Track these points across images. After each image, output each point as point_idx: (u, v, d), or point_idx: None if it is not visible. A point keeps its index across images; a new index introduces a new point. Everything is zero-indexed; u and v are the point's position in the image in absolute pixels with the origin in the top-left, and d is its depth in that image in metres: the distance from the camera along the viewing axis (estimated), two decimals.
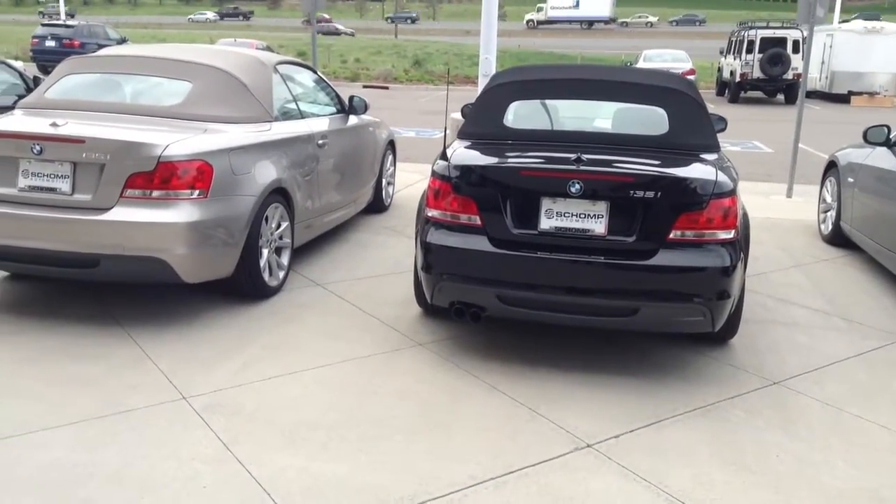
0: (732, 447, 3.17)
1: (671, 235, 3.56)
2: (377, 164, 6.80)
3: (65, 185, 3.97)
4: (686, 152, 3.93)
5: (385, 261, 5.62)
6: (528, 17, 70.71)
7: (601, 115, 4.85)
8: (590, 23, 66.69)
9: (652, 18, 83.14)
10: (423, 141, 13.13)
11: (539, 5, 69.73)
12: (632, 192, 3.55)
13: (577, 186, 3.55)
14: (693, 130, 4.05)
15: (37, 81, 6.74)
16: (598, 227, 3.61)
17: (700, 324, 3.64)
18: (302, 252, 5.48)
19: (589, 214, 3.60)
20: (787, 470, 3.02)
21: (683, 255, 3.55)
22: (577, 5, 66.58)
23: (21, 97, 5.94)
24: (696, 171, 3.72)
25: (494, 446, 3.12)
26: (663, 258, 3.54)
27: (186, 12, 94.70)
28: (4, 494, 2.67)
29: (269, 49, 25.11)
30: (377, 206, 6.98)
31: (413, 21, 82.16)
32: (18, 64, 7.45)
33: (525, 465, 2.98)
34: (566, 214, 3.62)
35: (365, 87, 24.18)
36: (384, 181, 7.09)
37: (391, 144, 7.27)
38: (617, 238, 3.60)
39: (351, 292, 4.90)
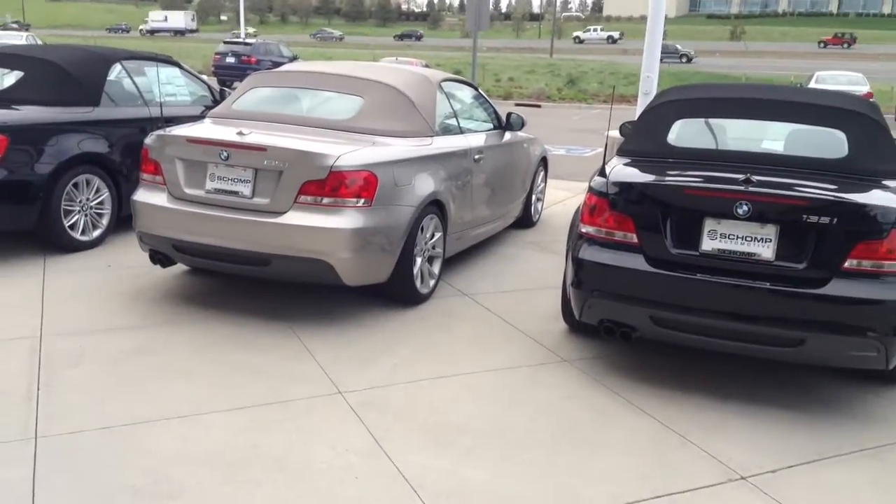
0: None
1: (846, 264, 3.35)
2: (529, 179, 6.86)
3: (246, 189, 4.32)
4: (866, 178, 3.68)
5: (531, 275, 5.65)
6: (140, 27, 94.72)
7: (769, 137, 4.64)
8: (177, 31, 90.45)
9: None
10: (573, 159, 13.06)
11: (146, 19, 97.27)
12: (805, 216, 3.37)
13: (745, 208, 3.42)
14: (875, 155, 3.79)
15: (223, 94, 7.35)
16: (766, 251, 3.45)
17: (873, 360, 3.39)
18: (451, 262, 5.62)
19: (756, 238, 3.46)
20: None
21: (859, 286, 3.32)
22: (165, 20, 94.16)
23: (208, 108, 6.52)
24: (876, 197, 3.47)
25: (640, 469, 3.06)
26: (836, 288, 3.34)
27: (349, 31, 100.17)
28: (179, 468, 2.94)
29: (427, 66, 25.91)
30: (525, 221, 7.03)
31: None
32: (204, 77, 8.20)
33: (673, 492, 2.90)
34: (731, 236, 3.49)
35: (517, 104, 24.37)
36: (534, 197, 7.12)
37: (544, 161, 7.31)
38: (786, 264, 3.43)
39: (497, 304, 4.97)
